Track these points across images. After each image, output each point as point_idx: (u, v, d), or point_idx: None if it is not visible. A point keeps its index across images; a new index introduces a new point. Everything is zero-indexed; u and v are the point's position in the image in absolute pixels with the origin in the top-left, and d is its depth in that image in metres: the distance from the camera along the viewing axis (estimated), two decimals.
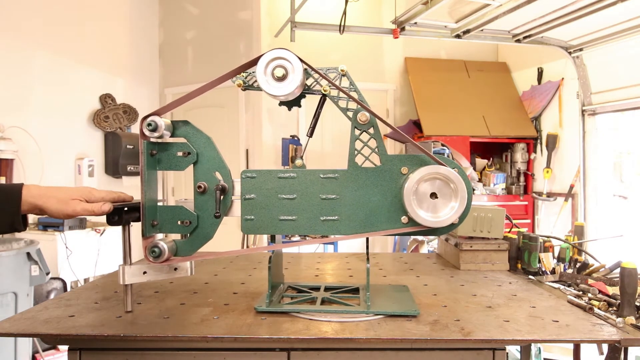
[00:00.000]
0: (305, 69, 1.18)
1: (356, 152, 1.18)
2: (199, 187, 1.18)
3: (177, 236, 1.22)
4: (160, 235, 1.21)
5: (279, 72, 1.12)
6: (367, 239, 1.23)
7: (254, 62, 1.15)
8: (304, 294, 1.32)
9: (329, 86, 1.18)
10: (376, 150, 1.17)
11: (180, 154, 1.18)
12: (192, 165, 1.19)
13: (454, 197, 1.12)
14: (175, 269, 1.21)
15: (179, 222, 1.18)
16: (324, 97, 1.21)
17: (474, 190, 4.81)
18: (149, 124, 1.13)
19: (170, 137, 1.19)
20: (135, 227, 1.20)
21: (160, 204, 1.21)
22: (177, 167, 1.19)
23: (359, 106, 1.16)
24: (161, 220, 1.18)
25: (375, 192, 1.16)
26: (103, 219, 1.19)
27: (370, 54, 5.27)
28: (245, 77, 1.20)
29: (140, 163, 1.14)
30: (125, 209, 1.18)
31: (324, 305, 1.22)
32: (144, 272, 1.17)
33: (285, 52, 1.13)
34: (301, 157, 1.24)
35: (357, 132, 1.18)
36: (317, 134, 5.05)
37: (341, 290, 1.35)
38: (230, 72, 1.17)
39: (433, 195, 1.13)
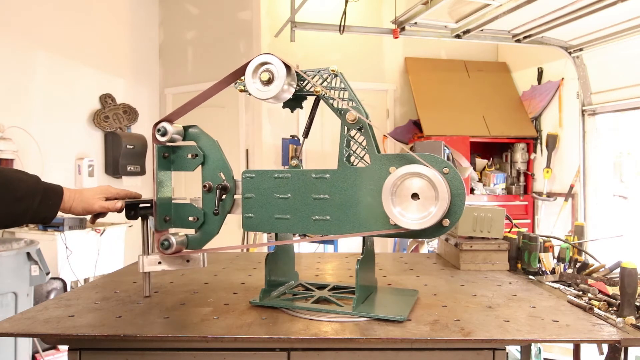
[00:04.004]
0: (297, 71, 1.20)
1: (346, 151, 1.18)
2: (205, 186, 1.26)
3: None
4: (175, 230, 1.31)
5: (265, 77, 1.16)
6: (363, 238, 1.23)
7: (244, 69, 1.19)
8: (307, 292, 1.33)
9: (322, 87, 1.19)
10: (366, 149, 1.17)
11: (189, 156, 1.27)
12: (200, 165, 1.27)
13: (435, 199, 1.09)
14: (188, 260, 1.29)
15: (190, 219, 1.27)
16: (318, 98, 1.23)
17: (473, 190, 4.82)
18: (159, 130, 1.24)
19: (182, 140, 1.28)
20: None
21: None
22: (187, 168, 1.28)
23: (348, 106, 1.17)
24: (173, 216, 1.28)
25: (364, 192, 1.16)
26: (102, 218, 1.28)
27: (370, 54, 5.27)
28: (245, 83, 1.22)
29: (153, 165, 1.26)
30: (141, 205, 1.29)
31: (315, 304, 1.23)
32: (159, 262, 1.27)
33: (269, 56, 1.16)
34: (297, 157, 1.26)
35: (348, 131, 1.18)
36: (317, 134, 5.08)
37: (345, 290, 1.35)
38: (226, 77, 1.20)
39: (415, 196, 1.11)
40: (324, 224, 1.19)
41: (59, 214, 1.23)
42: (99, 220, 1.32)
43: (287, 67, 1.16)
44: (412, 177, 1.11)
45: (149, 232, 1.30)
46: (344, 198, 1.17)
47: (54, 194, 1.20)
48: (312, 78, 1.21)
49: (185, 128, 1.28)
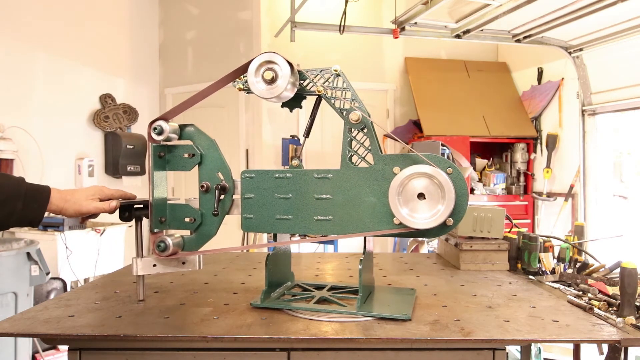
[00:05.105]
0: (299, 70, 1.20)
1: (349, 151, 1.18)
2: (202, 186, 1.23)
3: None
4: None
5: (268, 75, 1.15)
6: (365, 239, 1.23)
7: (246, 68, 1.17)
8: (306, 292, 1.33)
9: (324, 87, 1.19)
10: (369, 149, 1.17)
11: (186, 155, 1.24)
12: (197, 165, 1.25)
13: (442, 199, 1.10)
14: (184, 262, 1.27)
15: (186, 220, 1.23)
16: (319, 98, 1.23)
17: (473, 190, 4.82)
18: (155, 128, 1.20)
19: (178, 139, 1.24)
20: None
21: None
22: (183, 168, 1.25)
23: (352, 106, 1.17)
24: (169, 217, 1.24)
25: (367, 192, 1.16)
26: (103, 219, 1.25)
27: (370, 54, 5.27)
28: (245, 82, 1.22)
29: (148, 164, 1.22)
30: (136, 206, 1.25)
31: (318, 305, 1.22)
32: (154, 265, 1.24)
33: (273, 55, 1.15)
34: (298, 157, 1.25)
35: (350, 131, 1.18)
36: (317, 134, 5.08)
37: (344, 290, 1.35)
38: (226, 76, 1.20)
39: (421, 195, 1.12)
40: (327, 224, 1.18)
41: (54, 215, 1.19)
42: (95, 220, 1.29)
43: (291, 65, 1.16)
44: (418, 177, 1.11)
45: (143, 234, 1.27)
46: (347, 198, 1.17)
47: (39, 195, 1.14)
48: (314, 78, 1.21)
49: (181, 127, 1.25)
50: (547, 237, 1.65)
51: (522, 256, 1.63)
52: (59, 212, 1.18)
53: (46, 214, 1.16)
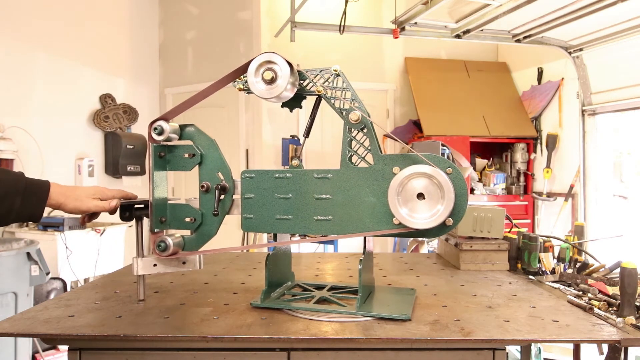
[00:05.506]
0: (299, 70, 1.20)
1: (349, 151, 1.18)
2: (202, 186, 1.23)
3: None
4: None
5: (268, 75, 1.15)
6: (365, 239, 1.23)
7: (246, 68, 1.17)
8: (306, 292, 1.33)
9: (323, 87, 1.19)
10: (369, 149, 1.17)
11: (186, 155, 1.24)
12: (197, 165, 1.25)
13: (441, 199, 1.10)
14: (184, 262, 1.27)
15: (186, 219, 1.23)
16: (319, 98, 1.23)
17: (473, 190, 4.82)
18: (155, 128, 1.20)
19: (178, 139, 1.25)
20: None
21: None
22: (184, 168, 1.25)
23: (352, 106, 1.17)
24: (169, 217, 1.25)
25: (367, 192, 1.16)
26: (103, 219, 1.25)
27: (370, 54, 5.27)
28: (245, 82, 1.22)
29: (149, 164, 1.23)
30: (136, 206, 1.25)
31: (318, 305, 1.22)
32: (154, 265, 1.24)
33: (272, 55, 1.15)
34: (298, 157, 1.25)
35: (350, 131, 1.18)
36: (317, 134, 5.08)
37: (344, 290, 1.35)
38: (226, 76, 1.20)
39: (420, 195, 1.12)
40: (326, 224, 1.18)
41: (54, 212, 1.20)
42: (95, 220, 1.28)
43: (290, 65, 1.16)
44: (418, 177, 1.11)
45: (143, 234, 1.27)
46: (346, 198, 1.17)
47: (38, 190, 1.14)
48: (314, 78, 1.21)
49: (182, 127, 1.25)
50: (547, 237, 1.65)
51: (522, 256, 1.63)
52: (58, 207, 1.17)
53: (46, 212, 1.15)
